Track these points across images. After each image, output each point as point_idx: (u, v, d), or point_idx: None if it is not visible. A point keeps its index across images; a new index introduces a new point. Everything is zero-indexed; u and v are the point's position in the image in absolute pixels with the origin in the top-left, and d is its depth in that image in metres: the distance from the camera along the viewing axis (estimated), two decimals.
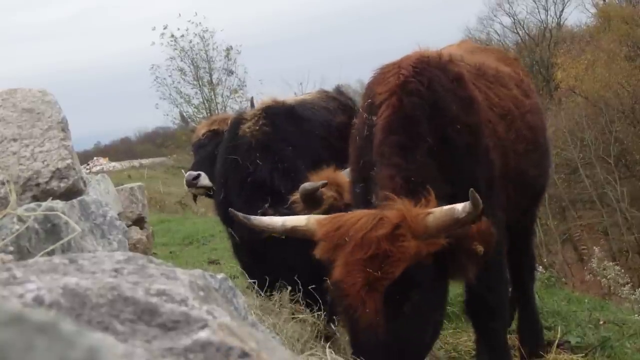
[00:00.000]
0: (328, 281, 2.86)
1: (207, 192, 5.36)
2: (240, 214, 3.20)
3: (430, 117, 3.22)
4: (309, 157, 4.48)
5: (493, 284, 3.56)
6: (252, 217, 3.22)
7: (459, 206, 2.76)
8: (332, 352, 2.44)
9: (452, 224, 2.76)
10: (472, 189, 2.65)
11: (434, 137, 3.18)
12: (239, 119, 4.69)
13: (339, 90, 5.79)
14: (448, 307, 5.32)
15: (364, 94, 3.63)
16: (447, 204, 2.89)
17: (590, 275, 15.99)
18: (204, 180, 5.23)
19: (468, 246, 2.78)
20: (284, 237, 3.19)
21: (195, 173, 5.26)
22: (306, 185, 3.65)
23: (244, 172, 4.41)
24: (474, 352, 4.24)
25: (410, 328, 2.75)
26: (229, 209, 3.35)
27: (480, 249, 2.76)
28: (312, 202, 3.62)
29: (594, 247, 17.68)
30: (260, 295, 3.81)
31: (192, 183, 5.23)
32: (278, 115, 4.64)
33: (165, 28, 25.74)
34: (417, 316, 2.75)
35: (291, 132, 4.59)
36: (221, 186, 4.61)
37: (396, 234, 2.71)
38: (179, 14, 30.36)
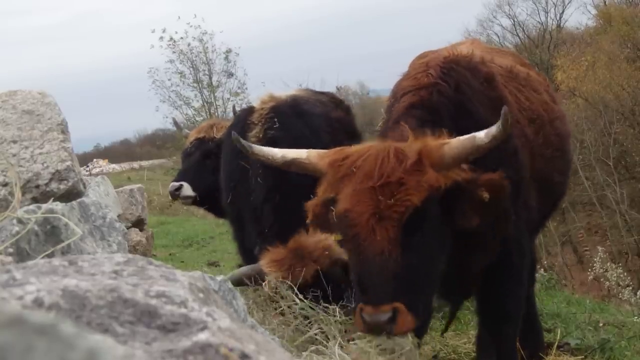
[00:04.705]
0: (333, 213, 2.76)
1: (195, 201, 5.41)
2: (243, 142, 3.20)
3: (454, 118, 3.17)
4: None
5: (512, 287, 3.47)
6: (254, 146, 3.22)
7: (481, 133, 2.73)
8: (340, 348, 2.43)
9: (473, 151, 2.73)
10: (505, 106, 2.61)
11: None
12: (246, 121, 4.52)
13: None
14: (448, 309, 5.34)
15: (389, 96, 3.55)
16: None
17: (592, 276, 15.96)
18: (187, 191, 5.30)
19: (474, 190, 2.71)
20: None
21: (177, 184, 5.33)
22: (235, 273, 3.55)
23: (249, 186, 4.31)
24: (473, 354, 4.23)
25: (418, 262, 2.66)
26: (233, 134, 3.30)
27: (485, 195, 2.68)
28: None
29: (598, 247, 17.64)
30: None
31: (175, 194, 5.35)
32: (284, 114, 4.48)
33: (164, 31, 25.75)
34: (424, 251, 2.69)
35: (300, 131, 4.43)
36: (229, 190, 4.53)
37: (413, 163, 2.67)
38: (178, 17, 30.36)
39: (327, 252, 3.60)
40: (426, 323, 3.76)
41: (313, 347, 2.40)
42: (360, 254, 2.67)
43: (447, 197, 2.73)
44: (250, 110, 4.68)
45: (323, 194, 2.86)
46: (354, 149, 2.82)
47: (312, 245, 3.64)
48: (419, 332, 3.69)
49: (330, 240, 3.55)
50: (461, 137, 2.76)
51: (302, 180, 4.28)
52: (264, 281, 3.50)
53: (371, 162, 2.70)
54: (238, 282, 3.54)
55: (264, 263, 3.58)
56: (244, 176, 4.37)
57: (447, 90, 3.20)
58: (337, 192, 2.75)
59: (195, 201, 5.44)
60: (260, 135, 4.38)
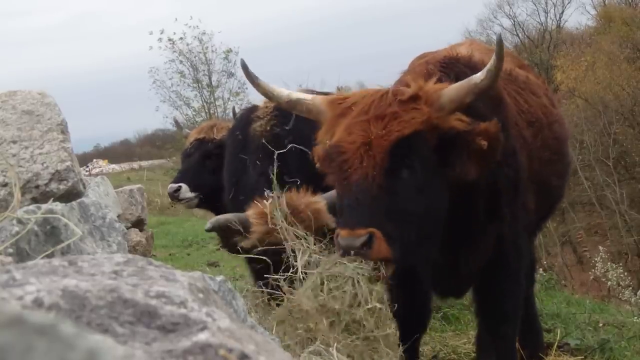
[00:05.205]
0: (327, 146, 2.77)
1: (200, 202, 5.37)
2: (250, 71, 3.12)
3: None
4: None
5: (509, 288, 3.45)
6: (259, 79, 3.15)
7: (477, 74, 2.75)
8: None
9: (470, 91, 2.74)
10: (499, 33, 2.64)
11: None
12: (250, 117, 4.55)
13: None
14: (447, 310, 5.34)
15: None
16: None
17: (593, 276, 15.95)
18: (185, 192, 5.25)
19: (472, 139, 2.69)
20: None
21: (176, 185, 5.28)
22: (219, 218, 3.43)
23: (250, 179, 4.31)
24: (473, 354, 4.23)
25: (403, 196, 2.63)
26: (242, 60, 3.19)
27: (483, 143, 2.67)
28: (228, 238, 3.42)
29: (599, 247, 17.62)
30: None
31: (174, 196, 5.28)
32: (288, 114, 4.41)
33: (162, 33, 25.74)
34: (412, 188, 2.65)
35: (303, 131, 4.42)
36: (231, 185, 4.50)
37: (409, 99, 2.70)
38: (175, 19, 30.35)
39: (315, 216, 3.54)
40: (426, 320, 3.77)
41: (311, 348, 2.38)
42: (345, 179, 2.66)
43: (444, 146, 2.72)
44: (254, 108, 4.71)
45: (323, 134, 2.89)
46: (356, 93, 2.87)
47: (302, 205, 3.57)
48: (420, 328, 3.70)
49: (320, 204, 3.51)
50: (460, 82, 2.80)
51: (300, 164, 4.29)
52: (248, 231, 3.43)
53: (368, 99, 2.75)
54: (220, 228, 3.46)
55: (251, 214, 3.50)
56: (245, 171, 4.38)
57: (446, 80, 3.17)
58: (334, 129, 2.78)
59: (200, 202, 5.40)
60: (268, 128, 4.38)
